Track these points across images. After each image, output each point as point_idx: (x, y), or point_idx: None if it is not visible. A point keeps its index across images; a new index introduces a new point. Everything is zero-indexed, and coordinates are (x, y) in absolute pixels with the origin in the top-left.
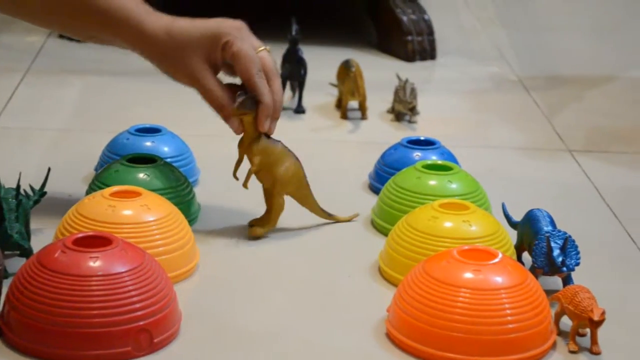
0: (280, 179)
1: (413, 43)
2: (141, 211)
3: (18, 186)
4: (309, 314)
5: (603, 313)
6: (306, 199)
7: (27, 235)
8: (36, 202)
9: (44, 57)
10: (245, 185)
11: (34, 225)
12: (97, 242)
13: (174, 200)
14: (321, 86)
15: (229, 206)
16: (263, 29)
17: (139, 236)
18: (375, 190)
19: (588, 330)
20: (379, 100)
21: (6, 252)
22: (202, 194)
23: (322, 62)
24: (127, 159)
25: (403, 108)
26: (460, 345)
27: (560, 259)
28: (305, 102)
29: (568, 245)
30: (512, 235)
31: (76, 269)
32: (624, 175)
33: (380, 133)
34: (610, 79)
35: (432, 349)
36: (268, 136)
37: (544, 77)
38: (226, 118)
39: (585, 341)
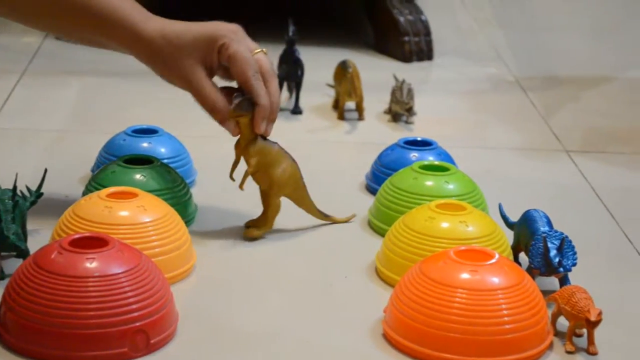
0: (276, 181)
1: (410, 44)
2: (138, 212)
3: (15, 187)
4: (305, 315)
5: (600, 313)
6: (303, 201)
7: (24, 236)
8: (33, 203)
9: (41, 58)
10: (241, 186)
11: (30, 226)
12: (93, 243)
13: (171, 201)
14: (318, 87)
15: (226, 207)
16: (260, 30)
17: (136, 237)
18: (372, 190)
19: (585, 330)
20: (376, 101)
21: (3, 253)
22: (198, 195)
23: (319, 63)
24: (124, 160)
25: (400, 109)
26: (457, 346)
27: (557, 259)
28: (302, 103)
29: (565, 246)
30: (508, 236)
31: (73, 270)
32: (620, 175)
33: (377, 134)
34: (608, 80)
35: (429, 350)
36: (265, 138)
37: (541, 77)
38: (220, 122)
39: (582, 341)
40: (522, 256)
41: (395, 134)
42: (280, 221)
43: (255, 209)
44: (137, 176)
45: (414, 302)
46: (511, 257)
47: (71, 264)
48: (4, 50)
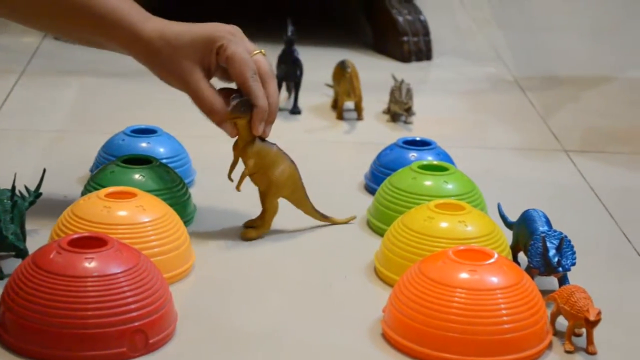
0: (275, 182)
1: (409, 44)
2: (136, 212)
3: (13, 187)
4: (305, 315)
5: (599, 313)
6: (301, 202)
7: (23, 236)
8: (31, 203)
9: (40, 58)
10: (238, 188)
11: (29, 226)
12: (92, 243)
13: (170, 201)
14: (317, 87)
15: (225, 207)
16: (259, 30)
17: (135, 237)
18: (371, 190)
19: (584, 330)
20: (374, 100)
21: (1, 253)
22: (197, 194)
23: (318, 63)
24: (123, 160)
25: (399, 109)
26: (456, 346)
27: (556, 259)
28: (301, 103)
29: (564, 246)
30: (507, 236)
31: (71, 270)
32: (620, 175)
33: (376, 134)
34: (607, 80)
35: (428, 349)
36: (263, 139)
37: (540, 77)
38: (218, 123)
39: (581, 341)
40: (521, 256)
41: (394, 133)
42: (279, 222)
43: (254, 208)
44: (136, 176)
45: (413, 302)
46: (510, 257)
47: (70, 264)
48: (3, 51)
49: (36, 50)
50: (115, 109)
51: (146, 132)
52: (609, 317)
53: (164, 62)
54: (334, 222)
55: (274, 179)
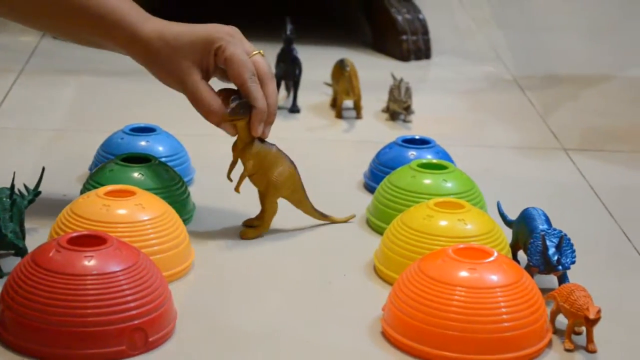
0: (274, 183)
1: (408, 42)
2: (136, 210)
3: (12, 186)
4: (304, 313)
5: (599, 311)
6: (301, 202)
7: (22, 234)
8: (31, 201)
9: (38, 57)
10: (237, 189)
11: (28, 224)
12: (91, 241)
13: (169, 199)
14: (316, 85)
15: (224, 205)
16: (258, 29)
17: (134, 235)
18: (370, 189)
19: (584, 328)
20: (373, 99)
21: (1, 252)
22: (196, 193)
23: (317, 62)
24: (122, 159)
25: (398, 107)
26: (456, 344)
27: (555, 257)
28: (300, 102)
29: (563, 244)
30: (507, 234)
31: (71, 268)
32: (619, 174)
33: (375, 132)
34: (606, 79)
35: (428, 348)
36: (262, 140)
37: (539, 76)
38: (216, 124)
39: (581, 339)
40: (521, 254)
41: (393, 132)
42: (278, 221)
43: (253, 207)
44: (135, 174)
45: (413, 300)
46: (510, 255)
47: (69, 262)
48: (2, 50)
49: (35, 49)
50: (114, 107)
51: (145, 130)
52: (609, 316)
53: (163, 63)
54: (333, 221)
55: (273, 180)
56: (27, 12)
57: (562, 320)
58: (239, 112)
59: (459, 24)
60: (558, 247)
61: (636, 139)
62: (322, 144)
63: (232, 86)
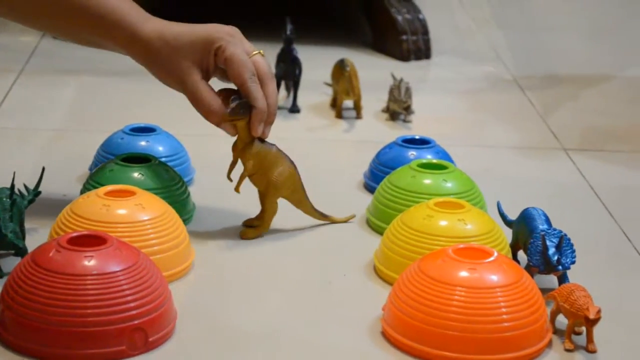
0: (274, 183)
1: (408, 42)
2: (136, 210)
3: (12, 186)
4: (304, 313)
5: (599, 311)
6: (301, 202)
7: (22, 234)
8: (31, 201)
9: (38, 57)
10: (237, 189)
11: (28, 224)
12: (91, 241)
13: (169, 199)
14: (316, 85)
15: (224, 206)
16: (258, 29)
17: (134, 235)
18: (370, 189)
19: (584, 328)
20: (374, 99)
21: (1, 252)
22: (196, 193)
23: (317, 62)
24: (122, 159)
25: (398, 107)
26: (456, 344)
27: (555, 257)
28: (300, 102)
29: (563, 244)
30: (507, 234)
31: (71, 268)
32: (619, 174)
33: (375, 132)
34: (606, 79)
35: (428, 348)
36: (262, 140)
37: (539, 76)
38: (216, 124)
39: (581, 340)
40: (521, 254)
41: (393, 132)
42: (278, 221)
43: (253, 207)
44: (135, 174)
45: (413, 300)
46: (510, 255)
47: (69, 262)
48: (2, 50)
49: (35, 49)
50: (114, 107)
51: (145, 130)
52: (609, 316)
53: (163, 63)
54: (333, 221)
55: (273, 180)
56: (27, 12)
57: (562, 320)
58: (239, 112)
59: (459, 24)
60: (558, 247)
61: (636, 139)
62: (322, 144)
63: (232, 86)
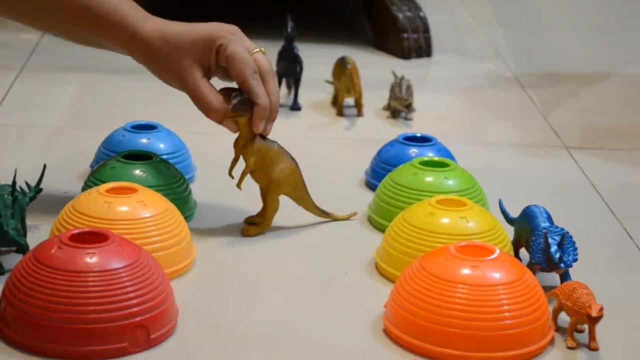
0: (275, 180)
1: (409, 40)
2: (137, 207)
3: (14, 183)
4: (306, 311)
5: (601, 309)
6: (302, 199)
7: (23, 231)
8: (32, 198)
9: (39, 54)
10: (238, 185)
11: (30, 221)
12: (93, 238)
13: (170, 196)
14: (317, 83)
15: (225, 203)
16: (259, 27)
17: (135, 232)
18: (371, 186)
19: (586, 326)
20: (375, 97)
21: (2, 249)
22: (198, 190)
23: (318, 60)
24: (123, 156)
25: (399, 105)
26: (458, 341)
27: (557, 255)
28: (301, 99)
29: (565, 242)
30: (509, 232)
31: (72, 265)
32: (620, 171)
33: (376, 130)
34: (606, 77)
35: (430, 345)
36: (264, 137)
37: (539, 74)
38: (218, 122)
39: (584, 337)
40: (523, 252)
41: (395, 130)
42: (279, 218)
43: (254, 204)
44: (137, 172)
45: (415, 298)
46: (512, 253)
47: (71, 259)
48: (2, 47)
49: (35, 47)
50: (115, 104)
51: (146, 127)
52: (611, 314)
53: (164, 62)
54: (334, 219)
55: (274, 177)
56: (26, 11)
57: (564, 318)
58: (240, 109)
59: (460, 21)
60: (560, 245)
61: (636, 137)
62: (323, 141)
63: (234, 86)
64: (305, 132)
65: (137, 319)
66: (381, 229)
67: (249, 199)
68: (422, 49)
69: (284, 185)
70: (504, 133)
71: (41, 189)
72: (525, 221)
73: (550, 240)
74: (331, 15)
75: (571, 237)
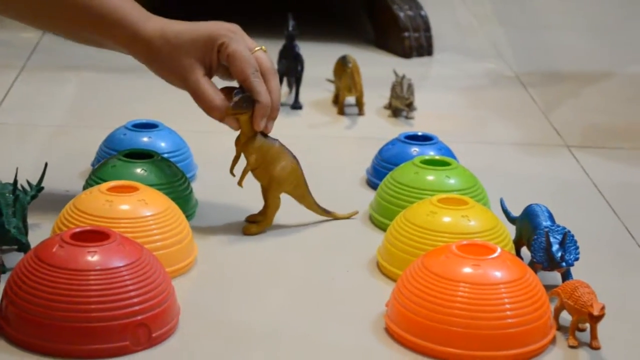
0: (276, 178)
1: (410, 39)
2: (139, 206)
3: (15, 181)
4: (307, 309)
5: (603, 308)
6: (304, 198)
7: (25, 230)
8: (33, 197)
9: (40, 53)
10: (239, 183)
11: (31, 220)
12: (94, 236)
13: (171, 195)
14: (318, 82)
15: (227, 201)
16: (260, 25)
17: (137, 231)
18: (373, 185)
19: (588, 325)
20: (376, 96)
21: (4, 247)
22: (199, 189)
23: (319, 58)
24: (124, 154)
25: (400, 104)
26: (460, 340)
27: (559, 254)
28: (302, 98)
29: (567, 240)
30: (510, 230)
31: (74, 264)
32: (621, 170)
33: (377, 129)
34: (607, 76)
35: (431, 344)
36: (265, 135)
37: (541, 73)
38: (219, 120)
39: (585, 336)
40: (524, 251)
41: (396, 129)
42: (281, 217)
43: (256, 203)
44: (138, 170)
45: (417, 296)
46: (513, 252)
47: (72, 258)
48: (3, 46)
49: (36, 46)
50: (116, 103)
51: (147, 126)
52: (613, 312)
53: (165, 61)
54: (336, 217)
55: (275, 175)
56: (26, 10)
57: (565, 317)
58: (241, 106)
59: (461, 20)
60: (562, 244)
61: (637, 136)
62: (325, 140)
63: (235, 85)
64: (306, 130)
65: (139, 317)
66: (382, 227)
67: (251, 198)
68: (423, 48)
69: (285, 183)
70: (505, 132)
71: (42, 188)
72: (526, 220)
73: (551, 239)
74: (332, 14)
75: (573, 236)
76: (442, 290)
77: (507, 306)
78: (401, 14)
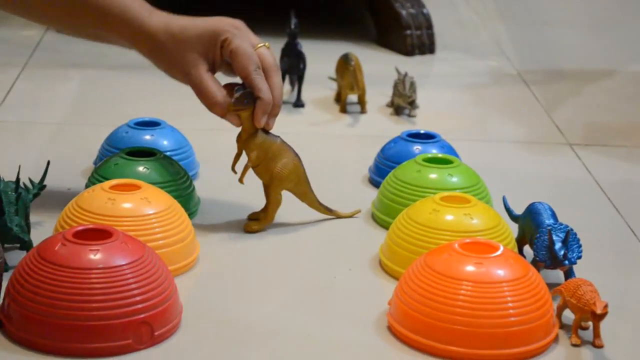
0: (277, 175)
1: (412, 37)
2: (141, 204)
3: (17, 179)
4: (309, 308)
5: (606, 306)
6: (306, 195)
7: (27, 228)
8: (36, 195)
9: (42, 51)
10: (240, 180)
11: (33, 218)
12: (97, 234)
13: (174, 193)
14: (320, 80)
15: (229, 199)
16: (263, 23)
17: (139, 229)
18: (375, 183)
19: (590, 323)
20: (378, 94)
21: (6, 245)
22: (201, 187)
23: (321, 56)
24: (127, 152)
25: (402, 102)
26: (462, 338)
27: (562, 252)
28: (305, 96)
29: (570, 239)
30: (513, 229)
31: (76, 262)
32: (624, 168)
33: (379, 127)
34: (609, 74)
35: (434, 342)
36: (267, 132)
37: (543, 71)
38: (220, 116)
39: (588, 334)
40: (527, 249)
41: (398, 127)
42: (283, 215)
43: (258, 201)
44: (140, 168)
45: (419, 295)
46: (516, 250)
47: (75, 256)
48: (5, 44)
49: (38, 43)
50: (119, 101)
51: (150, 124)
52: (616, 311)
53: (169, 55)
54: (338, 216)
55: (276, 172)
56: (32, 6)
57: (568, 315)
58: (243, 102)
59: (463, 18)
60: (564, 242)
61: (639, 134)
62: (327, 138)
63: (238, 81)
64: (308, 128)
65: (141, 315)
66: (385, 226)
67: (253, 196)
68: (425, 46)
69: (286, 180)
70: (508, 130)
71: (45, 186)
72: (529, 218)
73: (554, 238)
74: (334, 12)
75: (575, 234)
76: (445, 289)
77: (510, 304)
78: (403, 12)
